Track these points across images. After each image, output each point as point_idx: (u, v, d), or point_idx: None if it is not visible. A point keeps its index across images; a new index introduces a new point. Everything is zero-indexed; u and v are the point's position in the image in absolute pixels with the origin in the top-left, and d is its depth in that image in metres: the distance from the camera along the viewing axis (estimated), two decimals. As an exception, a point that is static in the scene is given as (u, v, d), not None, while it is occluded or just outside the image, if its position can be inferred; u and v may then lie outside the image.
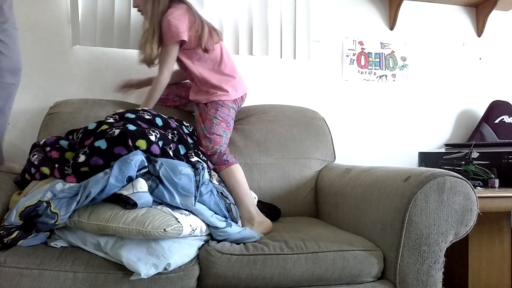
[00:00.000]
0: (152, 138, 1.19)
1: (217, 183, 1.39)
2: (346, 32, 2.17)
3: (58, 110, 1.65)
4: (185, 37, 1.52)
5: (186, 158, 1.29)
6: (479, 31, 2.31)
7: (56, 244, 1.10)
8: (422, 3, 2.26)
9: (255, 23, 2.00)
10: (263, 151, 1.69)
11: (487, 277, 1.71)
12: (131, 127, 1.19)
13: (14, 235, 1.05)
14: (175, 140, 1.32)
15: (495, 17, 2.32)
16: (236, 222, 1.29)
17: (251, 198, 1.43)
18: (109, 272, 1.00)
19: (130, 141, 1.13)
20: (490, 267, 1.71)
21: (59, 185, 1.10)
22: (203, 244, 1.13)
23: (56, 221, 1.04)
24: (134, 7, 1.63)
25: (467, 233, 1.12)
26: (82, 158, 1.13)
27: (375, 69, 2.20)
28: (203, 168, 1.19)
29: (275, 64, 2.09)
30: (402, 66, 2.23)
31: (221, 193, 1.31)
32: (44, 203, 1.05)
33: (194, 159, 1.32)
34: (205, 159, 1.43)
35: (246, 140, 1.71)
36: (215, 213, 1.17)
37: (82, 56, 1.88)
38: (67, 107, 1.65)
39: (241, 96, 1.66)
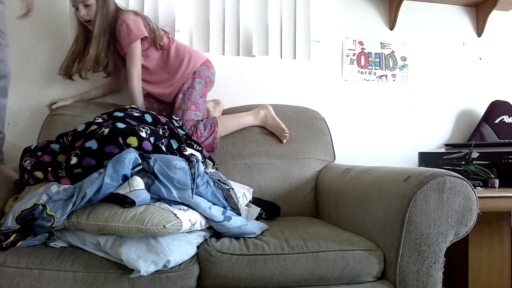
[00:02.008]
0: (143, 134, 1.18)
1: (214, 171, 1.39)
2: (346, 32, 2.18)
3: (60, 112, 1.65)
4: (146, 33, 1.61)
5: (179, 152, 1.28)
6: (479, 31, 2.31)
7: (55, 244, 1.10)
8: (422, 3, 2.26)
9: (255, 23, 2.01)
10: (263, 151, 1.69)
11: (487, 277, 1.70)
12: (121, 125, 1.18)
13: (11, 238, 1.05)
14: (166, 135, 1.31)
15: (495, 17, 2.32)
16: (238, 208, 1.28)
17: (241, 115, 1.73)
18: (109, 272, 1.00)
19: (120, 139, 1.13)
20: (490, 267, 1.71)
21: (54, 188, 1.09)
22: (202, 242, 1.13)
23: (53, 223, 1.04)
24: (84, 21, 1.63)
25: (467, 233, 1.11)
26: (74, 160, 1.12)
27: (375, 69, 2.20)
28: (197, 161, 1.19)
29: (275, 64, 2.09)
30: (402, 66, 2.23)
31: (218, 180, 1.30)
32: (40, 206, 1.04)
33: (188, 152, 1.31)
34: (200, 148, 1.43)
35: (246, 140, 1.71)
36: (214, 204, 1.17)
37: (82, 56, 1.88)
38: (69, 109, 1.66)
39: (203, 65, 1.71)
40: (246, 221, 1.21)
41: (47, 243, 1.10)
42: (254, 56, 2.02)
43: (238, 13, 1.98)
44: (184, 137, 1.43)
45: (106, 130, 1.14)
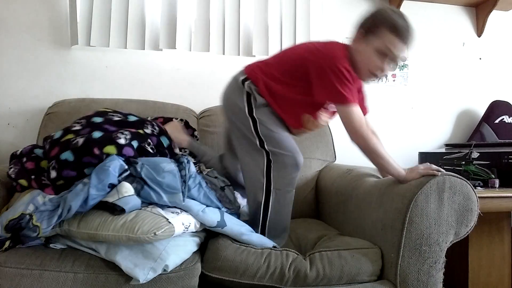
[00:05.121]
0: (121, 141, 1.13)
1: (209, 169, 1.37)
2: (346, 32, 2.17)
3: (56, 110, 1.65)
4: None
5: (170, 151, 1.25)
6: (479, 31, 2.31)
7: (55, 246, 1.09)
8: (422, 3, 2.26)
9: (255, 23, 2.00)
10: (263, 151, 1.68)
11: (487, 277, 1.70)
12: (96, 134, 1.13)
13: (6, 245, 1.04)
14: (156, 133, 1.27)
15: (495, 17, 2.32)
16: (234, 208, 1.25)
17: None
18: (109, 273, 1.00)
19: (96, 149, 1.09)
20: (490, 267, 1.70)
21: (41, 198, 1.08)
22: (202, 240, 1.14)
23: (38, 234, 1.01)
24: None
25: (467, 233, 1.11)
26: (53, 174, 1.10)
27: (375, 69, 2.19)
28: (188, 161, 1.16)
29: (275, 64, 2.08)
30: (402, 66, 2.23)
31: (216, 177, 1.27)
32: (27, 215, 1.03)
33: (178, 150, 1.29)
34: None
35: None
36: (207, 206, 1.14)
37: (82, 56, 1.88)
38: (65, 107, 1.66)
39: None
40: (247, 227, 1.17)
41: (46, 245, 1.10)
42: (254, 56, 2.02)
43: (238, 13, 1.98)
44: None
45: (81, 141, 1.10)
